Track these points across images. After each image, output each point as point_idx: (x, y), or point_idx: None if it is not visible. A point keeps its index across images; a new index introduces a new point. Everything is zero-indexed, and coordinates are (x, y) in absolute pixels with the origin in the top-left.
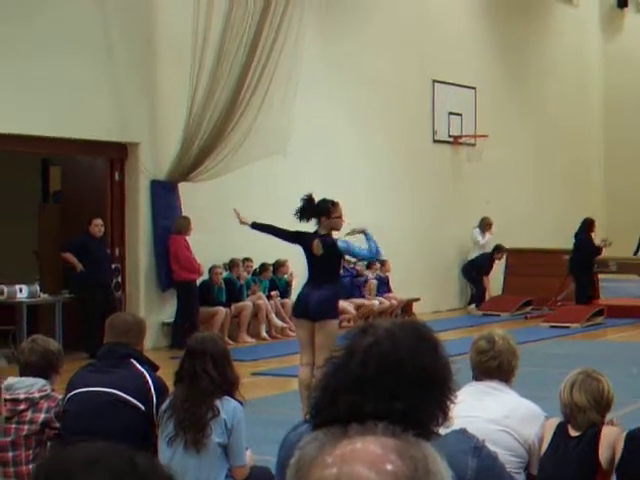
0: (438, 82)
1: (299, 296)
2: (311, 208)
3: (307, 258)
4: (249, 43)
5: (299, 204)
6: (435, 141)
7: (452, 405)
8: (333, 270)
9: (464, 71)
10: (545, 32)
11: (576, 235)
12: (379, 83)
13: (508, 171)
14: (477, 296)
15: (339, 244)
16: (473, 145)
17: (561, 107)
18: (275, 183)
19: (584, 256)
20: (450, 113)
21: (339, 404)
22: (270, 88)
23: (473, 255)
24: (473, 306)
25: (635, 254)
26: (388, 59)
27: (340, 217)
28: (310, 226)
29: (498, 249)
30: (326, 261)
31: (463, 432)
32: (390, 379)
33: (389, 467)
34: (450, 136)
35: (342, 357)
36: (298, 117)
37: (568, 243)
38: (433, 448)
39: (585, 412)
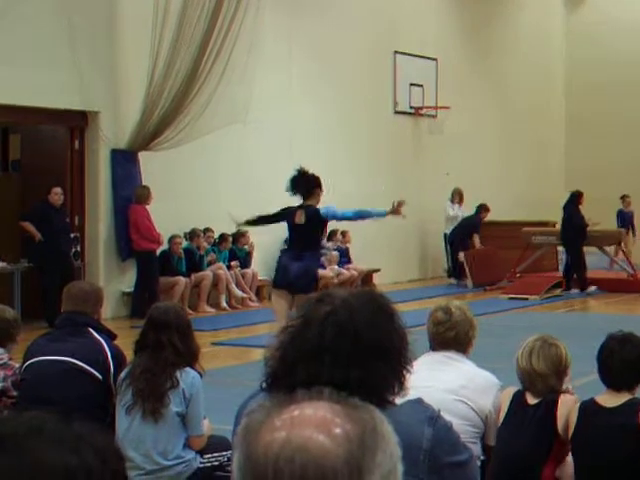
0: (399, 53)
1: (278, 265)
2: (305, 180)
3: (289, 228)
4: (210, 13)
5: (291, 176)
6: (396, 112)
7: (408, 375)
8: (314, 239)
9: (426, 42)
10: (507, 4)
11: (564, 208)
12: (340, 54)
13: (469, 143)
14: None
15: (322, 211)
16: (434, 117)
17: (523, 80)
18: (235, 153)
19: (574, 229)
20: (411, 84)
21: (296, 373)
22: (231, 58)
23: (448, 228)
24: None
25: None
26: (349, 30)
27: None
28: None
29: (484, 207)
30: (308, 229)
31: (419, 402)
32: (347, 348)
33: (338, 430)
34: (411, 107)
35: (299, 326)
36: (259, 87)
37: (528, 216)
38: (379, 412)
39: (545, 378)
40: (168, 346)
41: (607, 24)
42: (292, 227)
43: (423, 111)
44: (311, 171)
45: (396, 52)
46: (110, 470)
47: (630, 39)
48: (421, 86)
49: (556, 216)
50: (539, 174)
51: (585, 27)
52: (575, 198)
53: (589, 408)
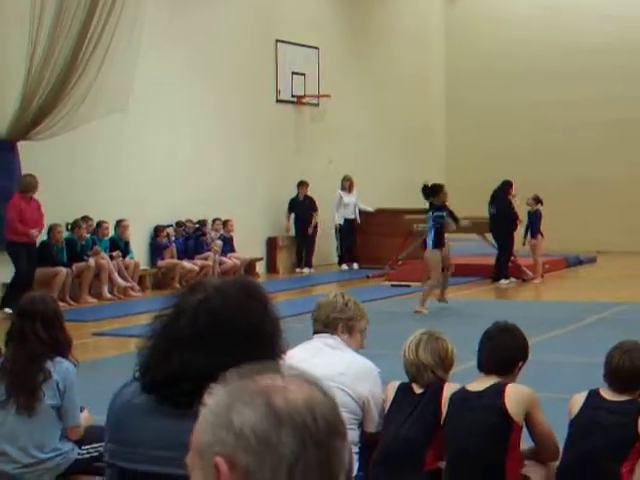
0: (281, 42)
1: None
2: (429, 190)
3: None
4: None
5: (421, 188)
6: (278, 101)
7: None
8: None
9: (308, 31)
10: None
11: (495, 197)
12: (221, 42)
13: (351, 131)
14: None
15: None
16: (316, 105)
17: (405, 69)
18: (117, 141)
19: (507, 218)
20: (293, 73)
21: (170, 361)
22: (111, 46)
23: (340, 217)
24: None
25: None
26: (230, 18)
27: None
28: None
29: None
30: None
31: None
32: (219, 336)
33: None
34: (293, 96)
35: (171, 315)
36: (140, 75)
37: (408, 204)
38: None
39: (431, 370)
40: (31, 336)
41: (486, 14)
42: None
43: (305, 100)
44: None
45: (277, 40)
46: None
47: (508, 29)
48: (303, 75)
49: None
50: (420, 161)
51: (464, 16)
52: (506, 188)
53: (459, 396)
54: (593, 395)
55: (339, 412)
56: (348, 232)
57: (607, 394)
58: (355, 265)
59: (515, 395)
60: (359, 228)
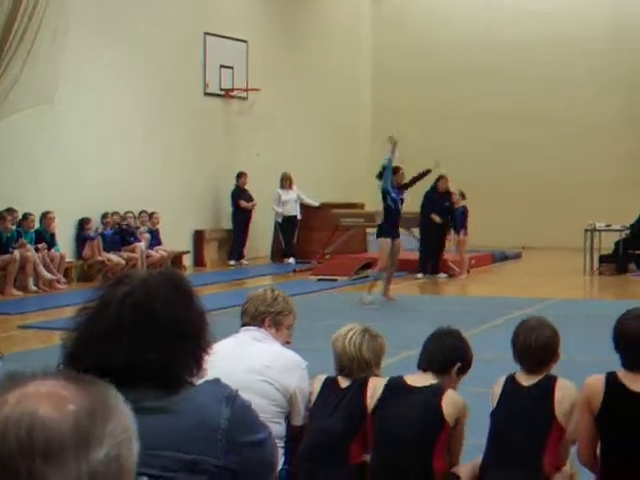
0: (210, 35)
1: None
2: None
3: None
4: None
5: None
6: (206, 94)
7: (206, 356)
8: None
9: (236, 24)
10: None
11: (427, 194)
12: (150, 35)
13: (280, 125)
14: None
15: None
16: (245, 99)
17: (333, 65)
18: (42, 133)
19: (439, 214)
20: (222, 66)
21: (93, 354)
22: (37, 37)
23: (279, 216)
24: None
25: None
26: (159, 10)
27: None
28: None
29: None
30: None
31: (216, 382)
32: (144, 329)
33: (67, 400)
34: (222, 89)
35: (96, 307)
36: (68, 66)
37: (336, 198)
38: (112, 388)
39: (370, 367)
40: None
41: (413, 12)
42: None
43: (234, 93)
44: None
45: (206, 33)
46: None
47: (437, 28)
48: (231, 68)
49: (362, 197)
50: (345, 156)
51: (391, 13)
52: (435, 183)
53: (396, 386)
54: (510, 381)
55: (61, 429)
56: (287, 228)
57: (522, 378)
58: (292, 260)
59: (452, 400)
60: (300, 223)
